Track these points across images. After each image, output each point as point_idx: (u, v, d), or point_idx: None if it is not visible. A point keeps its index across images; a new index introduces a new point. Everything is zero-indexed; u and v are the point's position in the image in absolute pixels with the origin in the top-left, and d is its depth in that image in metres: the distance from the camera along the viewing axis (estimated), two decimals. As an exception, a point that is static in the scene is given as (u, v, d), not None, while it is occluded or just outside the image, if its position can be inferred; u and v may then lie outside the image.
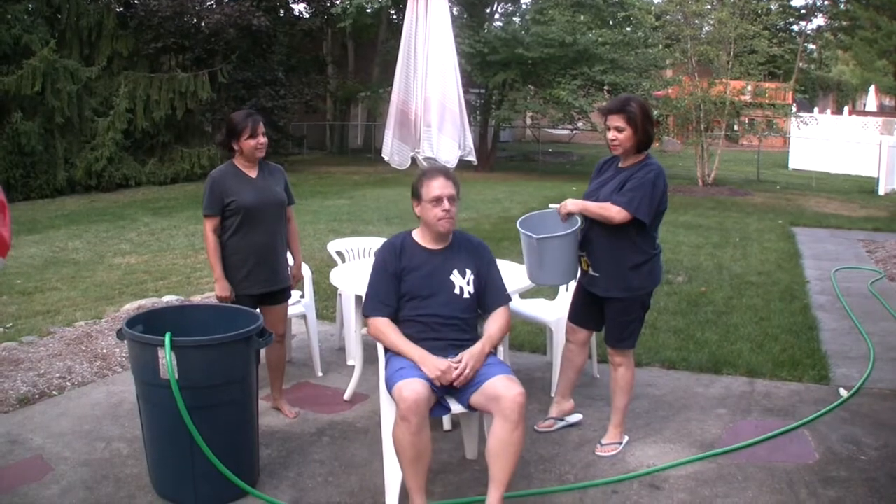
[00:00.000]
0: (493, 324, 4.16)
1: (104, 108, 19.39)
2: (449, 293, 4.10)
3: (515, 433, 3.71)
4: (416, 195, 4.13)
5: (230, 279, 4.86)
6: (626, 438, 4.81)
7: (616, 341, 4.67)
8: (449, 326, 4.09)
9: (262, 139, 4.86)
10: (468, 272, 4.17)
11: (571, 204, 4.48)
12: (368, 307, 4.14)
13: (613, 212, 4.36)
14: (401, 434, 3.67)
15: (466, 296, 4.14)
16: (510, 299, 4.32)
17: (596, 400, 5.46)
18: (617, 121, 4.43)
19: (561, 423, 5.00)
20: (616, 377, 4.74)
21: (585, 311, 4.83)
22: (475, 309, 4.20)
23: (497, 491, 3.72)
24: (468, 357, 3.92)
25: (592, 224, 4.55)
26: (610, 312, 4.64)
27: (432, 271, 4.12)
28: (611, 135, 4.47)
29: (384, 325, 4.08)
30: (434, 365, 3.87)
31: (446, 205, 4.05)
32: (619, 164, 4.60)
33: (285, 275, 5.10)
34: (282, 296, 5.11)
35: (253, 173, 4.93)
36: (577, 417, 5.07)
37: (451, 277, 4.13)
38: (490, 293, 4.21)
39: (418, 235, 4.22)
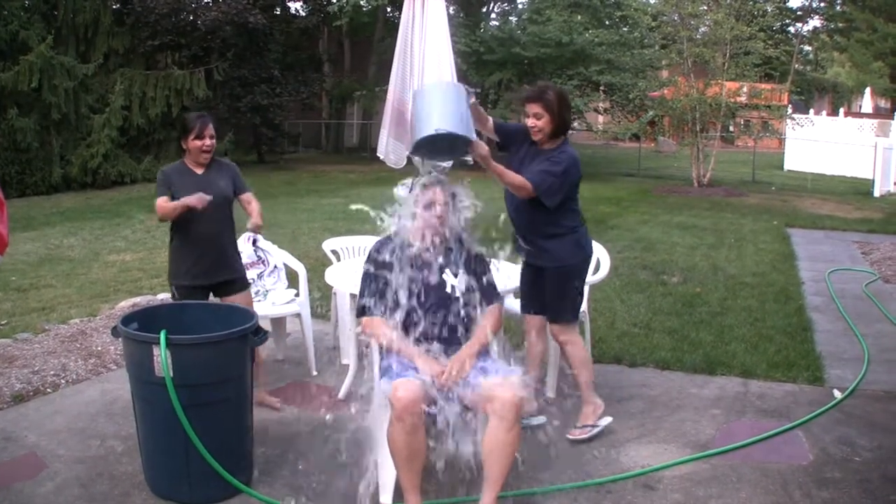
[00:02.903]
0: (484, 323, 4.17)
1: (100, 104, 19.36)
2: (441, 292, 4.11)
3: (511, 433, 3.71)
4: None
5: (177, 270, 5.03)
6: (608, 420, 4.86)
7: (555, 314, 4.81)
8: (442, 325, 4.09)
9: (209, 141, 4.96)
10: (461, 272, 4.17)
11: (482, 149, 4.24)
12: (361, 306, 4.15)
13: (518, 182, 4.46)
14: (395, 433, 3.67)
15: (458, 294, 4.14)
16: (502, 298, 4.33)
17: (590, 400, 5.46)
18: (535, 108, 4.59)
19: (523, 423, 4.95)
20: (566, 355, 4.89)
21: (532, 294, 4.94)
22: (468, 307, 4.21)
23: (492, 491, 3.72)
24: (455, 361, 3.92)
25: (513, 200, 4.71)
26: (547, 286, 4.77)
27: (425, 272, 4.12)
28: (530, 122, 4.63)
29: (378, 323, 4.08)
30: (430, 364, 3.88)
31: (438, 210, 4.07)
32: (538, 147, 4.70)
33: (235, 266, 5.19)
34: (238, 285, 5.18)
35: (199, 171, 5.04)
36: (540, 420, 4.95)
37: (444, 277, 4.14)
38: (482, 291, 4.21)
39: (411, 236, 4.22)
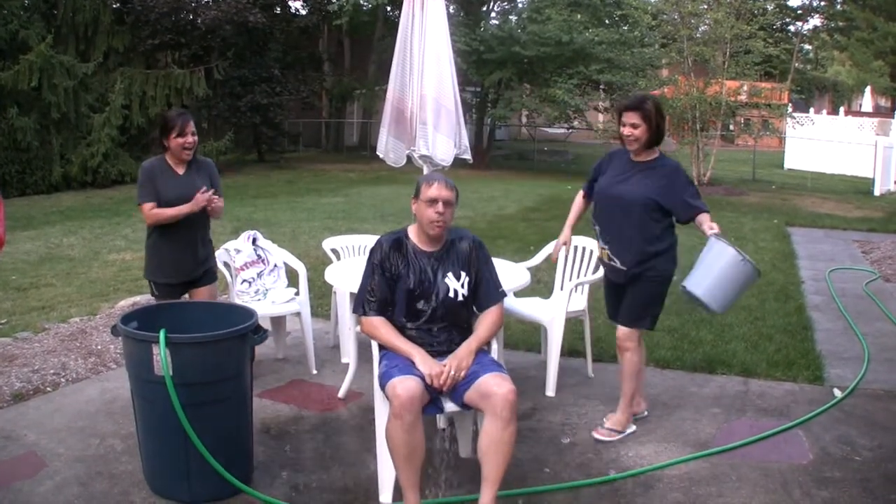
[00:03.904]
0: (483, 322, 4.16)
1: (100, 104, 19.32)
2: (443, 296, 4.09)
3: (507, 431, 3.71)
4: (416, 193, 4.12)
5: (154, 267, 5.11)
6: (632, 429, 4.92)
7: (630, 320, 4.78)
8: (443, 330, 4.09)
9: (190, 139, 4.99)
10: (462, 274, 4.14)
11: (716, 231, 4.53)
12: (360, 305, 4.13)
13: (707, 216, 4.63)
14: (394, 431, 3.67)
15: (461, 298, 4.12)
16: (504, 295, 4.30)
17: (590, 399, 5.46)
18: (633, 118, 4.61)
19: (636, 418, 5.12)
20: (623, 361, 4.86)
21: (619, 306, 4.91)
22: (470, 308, 4.20)
23: (490, 490, 3.72)
24: (453, 360, 3.92)
25: (613, 215, 4.69)
26: (630, 293, 4.75)
27: (426, 274, 4.10)
28: (626, 130, 4.64)
29: (378, 323, 4.07)
30: (430, 363, 3.88)
31: (440, 207, 4.02)
32: (633, 158, 4.73)
33: (207, 261, 5.28)
34: (206, 278, 5.26)
35: (180, 170, 5.07)
36: (643, 413, 5.19)
37: (446, 280, 4.11)
38: (484, 291, 4.20)
39: (413, 234, 4.19)
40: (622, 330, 4.82)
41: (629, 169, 4.73)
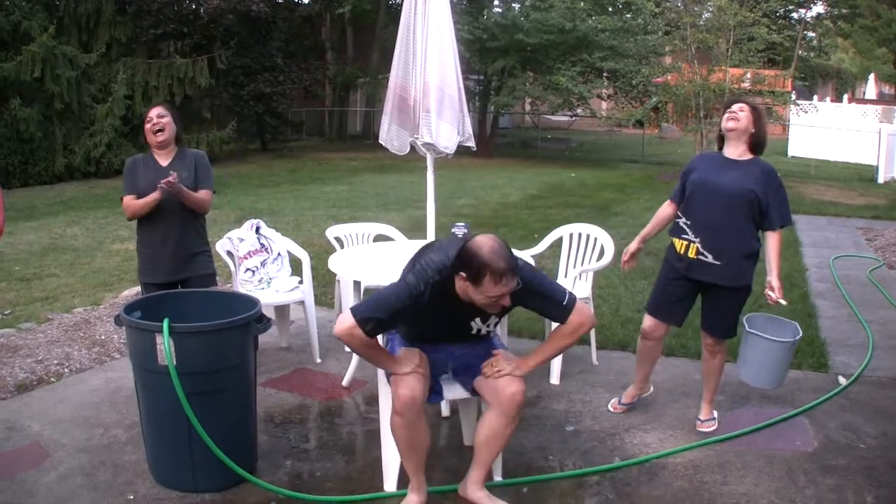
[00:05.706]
0: (562, 330, 3.81)
1: (103, 94, 19.34)
2: (464, 336, 3.92)
3: (509, 427, 3.76)
4: (474, 278, 3.44)
5: (142, 267, 5.04)
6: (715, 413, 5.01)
7: (725, 332, 4.77)
8: (457, 355, 3.98)
9: (155, 119, 4.88)
10: (493, 317, 3.87)
11: (777, 283, 4.55)
12: (366, 320, 3.53)
13: (779, 239, 4.62)
14: (397, 426, 3.67)
15: (483, 332, 3.93)
16: (572, 304, 3.73)
17: (595, 387, 5.46)
18: (739, 106, 4.57)
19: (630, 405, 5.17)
20: (714, 363, 4.86)
21: (676, 307, 4.84)
22: (492, 338, 4.06)
23: (481, 469, 3.81)
24: (505, 359, 3.82)
25: (710, 207, 4.56)
26: (721, 304, 4.68)
27: (453, 318, 3.78)
28: (730, 117, 4.56)
29: (363, 340, 3.57)
30: (406, 362, 3.74)
31: (506, 301, 3.53)
32: (728, 157, 4.61)
33: (197, 263, 5.09)
34: (200, 283, 5.05)
35: (164, 161, 4.97)
36: (650, 390, 5.27)
37: (472, 323, 3.85)
38: (549, 308, 3.79)
39: (460, 288, 3.56)
40: (714, 338, 4.78)
41: (725, 166, 4.58)
